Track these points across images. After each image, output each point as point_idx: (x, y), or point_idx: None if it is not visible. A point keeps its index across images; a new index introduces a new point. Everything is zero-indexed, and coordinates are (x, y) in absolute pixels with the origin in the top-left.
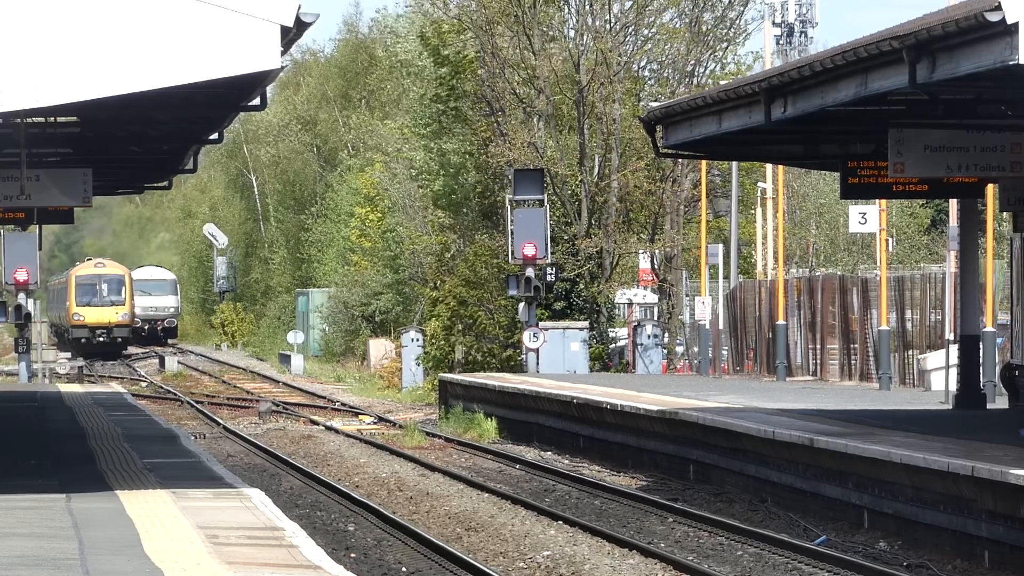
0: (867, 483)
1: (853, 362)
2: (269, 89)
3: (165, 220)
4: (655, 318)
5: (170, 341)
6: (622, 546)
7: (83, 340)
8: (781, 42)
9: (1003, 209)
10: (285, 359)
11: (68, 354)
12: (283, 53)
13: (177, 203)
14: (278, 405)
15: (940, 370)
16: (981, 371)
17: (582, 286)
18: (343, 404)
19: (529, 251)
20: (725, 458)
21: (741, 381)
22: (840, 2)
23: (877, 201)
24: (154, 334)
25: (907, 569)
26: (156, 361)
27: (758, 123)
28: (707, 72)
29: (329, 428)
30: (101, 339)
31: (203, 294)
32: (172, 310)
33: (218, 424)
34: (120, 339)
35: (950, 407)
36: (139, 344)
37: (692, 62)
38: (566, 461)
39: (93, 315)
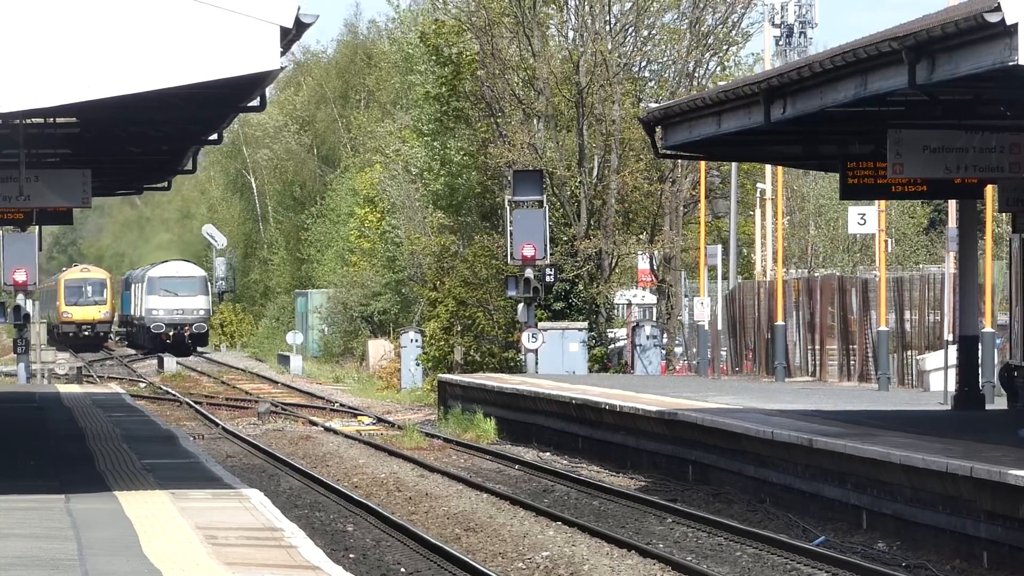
0: (866, 484)
1: (852, 363)
2: (269, 90)
3: (164, 221)
4: (654, 319)
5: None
6: (621, 546)
7: (71, 335)
8: (780, 43)
9: (1002, 210)
10: (284, 360)
11: (67, 354)
12: (282, 54)
13: (176, 204)
14: (277, 406)
15: (939, 371)
16: (980, 372)
17: (581, 287)
18: (342, 405)
19: (528, 252)
20: (724, 459)
21: (740, 382)
22: (840, 3)
23: (876, 202)
24: (180, 341)
25: (906, 570)
26: (155, 362)
27: (757, 124)
28: (707, 73)
29: (328, 429)
30: (86, 333)
31: None
32: (202, 313)
33: (217, 425)
34: (102, 333)
35: (949, 408)
36: (171, 352)
37: (692, 63)
38: (565, 461)
39: (79, 313)
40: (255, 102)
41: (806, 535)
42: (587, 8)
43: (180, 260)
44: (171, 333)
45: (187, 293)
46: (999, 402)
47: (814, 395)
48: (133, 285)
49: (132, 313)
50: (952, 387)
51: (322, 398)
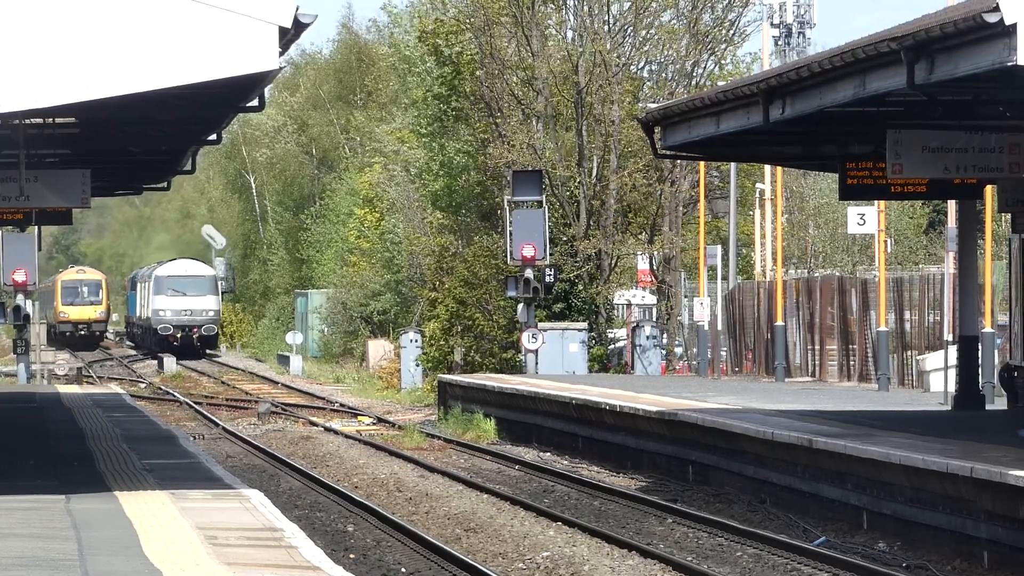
0: (866, 484)
1: (852, 363)
2: (267, 90)
3: (164, 221)
4: (654, 319)
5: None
6: (621, 547)
7: (67, 334)
8: (779, 43)
9: (1001, 210)
10: (284, 360)
11: (66, 354)
12: (281, 54)
13: (176, 204)
14: (277, 406)
15: (939, 371)
16: (980, 372)
17: (581, 287)
18: (342, 405)
19: (528, 252)
20: (724, 459)
21: (740, 382)
22: (838, 3)
23: (876, 202)
24: (189, 343)
25: (906, 570)
26: (155, 362)
27: (756, 124)
28: (705, 73)
29: (328, 429)
30: (83, 333)
31: None
32: (212, 314)
33: (217, 425)
34: (98, 333)
35: (949, 408)
36: (179, 355)
37: (691, 63)
38: (565, 462)
39: (76, 312)
40: (254, 102)
41: (806, 535)
42: (586, 8)
43: (189, 259)
44: (179, 335)
45: (196, 293)
46: (999, 402)
47: (814, 395)
48: (139, 285)
49: (138, 314)
50: (952, 387)
51: (322, 398)
